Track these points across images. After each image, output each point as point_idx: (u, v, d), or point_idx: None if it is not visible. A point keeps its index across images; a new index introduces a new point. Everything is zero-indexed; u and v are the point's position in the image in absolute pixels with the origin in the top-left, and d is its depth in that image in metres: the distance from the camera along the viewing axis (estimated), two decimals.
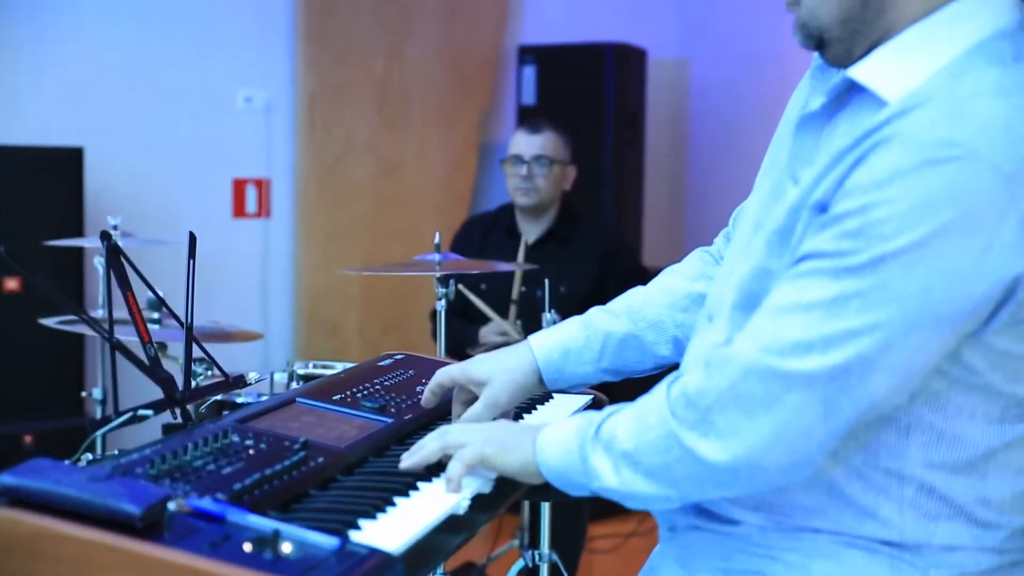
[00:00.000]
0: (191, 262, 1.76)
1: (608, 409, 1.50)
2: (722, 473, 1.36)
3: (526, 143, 3.68)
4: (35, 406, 4.10)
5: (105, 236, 1.61)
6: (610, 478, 1.44)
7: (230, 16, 4.80)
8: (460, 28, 5.27)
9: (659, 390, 1.45)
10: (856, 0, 1.40)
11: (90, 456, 3.21)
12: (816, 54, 1.52)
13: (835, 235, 1.31)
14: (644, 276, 3.71)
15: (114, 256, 1.62)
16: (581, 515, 3.57)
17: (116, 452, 3.16)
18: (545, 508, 2.95)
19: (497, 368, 1.73)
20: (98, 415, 3.42)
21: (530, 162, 3.64)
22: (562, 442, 1.50)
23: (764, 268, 1.46)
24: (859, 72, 1.40)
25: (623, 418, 1.46)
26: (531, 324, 3.58)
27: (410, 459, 1.55)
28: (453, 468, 1.51)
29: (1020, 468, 1.41)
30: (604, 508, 4.22)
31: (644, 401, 1.46)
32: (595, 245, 3.69)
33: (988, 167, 1.25)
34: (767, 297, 1.39)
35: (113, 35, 4.54)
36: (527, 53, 5.10)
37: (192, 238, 1.78)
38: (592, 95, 4.89)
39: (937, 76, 1.32)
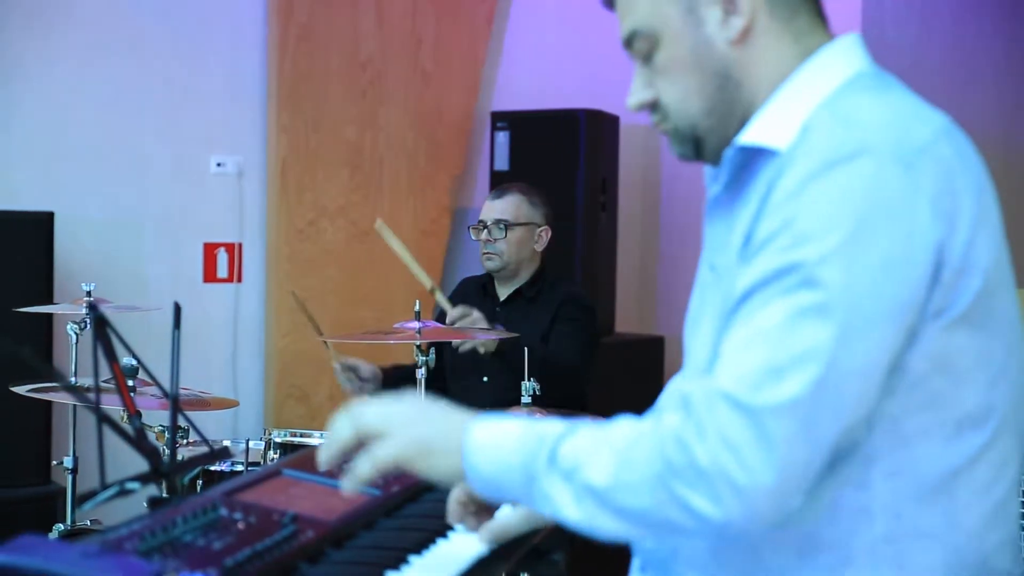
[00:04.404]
0: (176, 332, 1.74)
1: (558, 426, 1.40)
2: (712, 526, 1.30)
3: (489, 208, 3.73)
4: (0, 474, 4.03)
5: (93, 307, 1.59)
6: (569, 509, 1.35)
7: (203, 82, 4.80)
8: (432, 94, 5.30)
9: (647, 424, 1.37)
10: (713, 87, 1.48)
11: (61, 527, 3.18)
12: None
13: (768, 257, 1.33)
14: (588, 325, 3.70)
15: (101, 327, 1.60)
16: None
17: (88, 523, 3.13)
18: None
19: None
20: (68, 484, 3.36)
21: (490, 226, 3.68)
22: (500, 453, 1.40)
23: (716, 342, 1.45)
24: (748, 136, 1.45)
25: (591, 447, 1.36)
26: (494, 381, 3.58)
27: (324, 452, 1.44)
28: (363, 466, 1.41)
29: (988, 485, 1.40)
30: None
31: (624, 432, 1.37)
32: (554, 300, 3.70)
33: (888, 158, 1.31)
34: (723, 346, 1.36)
35: (85, 99, 4.53)
36: (500, 119, 5.11)
37: (177, 308, 1.76)
38: (565, 161, 4.91)
39: (816, 111, 1.40)
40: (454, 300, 3.79)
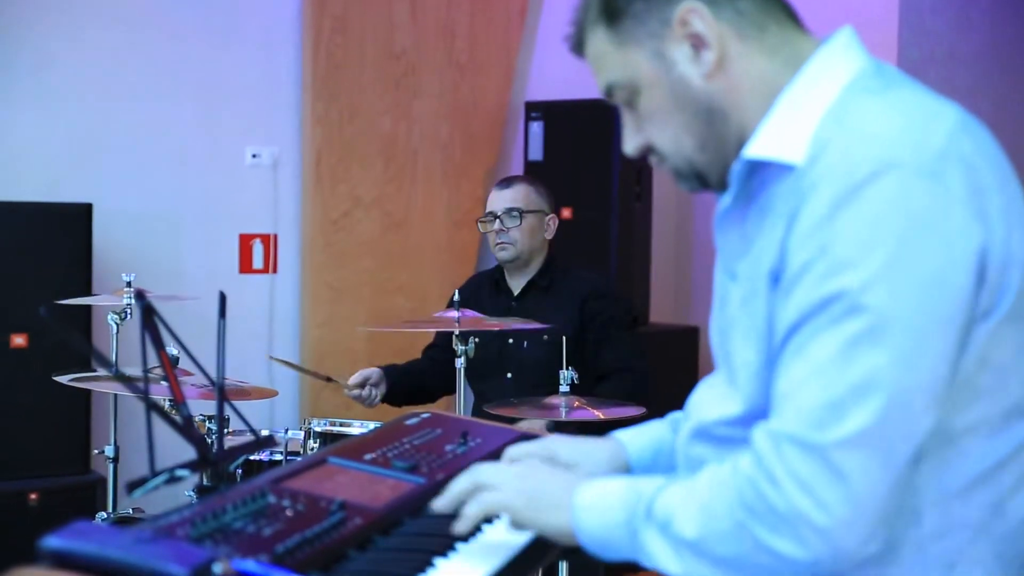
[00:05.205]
0: (221, 321, 1.74)
1: (655, 480, 1.45)
2: (801, 567, 1.31)
3: (498, 199, 3.74)
4: (40, 463, 4.07)
5: (140, 295, 1.60)
6: (670, 563, 1.38)
7: (238, 73, 4.82)
8: (467, 85, 5.30)
9: (724, 471, 1.38)
10: (700, 122, 1.46)
11: (104, 515, 3.20)
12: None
13: (808, 289, 1.31)
14: (627, 320, 3.74)
15: (148, 316, 1.61)
16: (597, 574, 3.54)
17: (131, 511, 3.15)
18: (562, 568, 2.93)
19: (585, 456, 1.69)
20: (110, 473, 3.40)
21: (502, 216, 3.68)
22: (605, 510, 1.44)
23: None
24: (754, 149, 1.43)
25: (681, 500, 1.39)
26: (520, 376, 3.58)
27: (442, 499, 1.53)
28: (471, 508, 1.48)
29: None
30: (621, 566, 4.17)
31: (706, 482, 1.40)
32: (576, 290, 3.70)
33: (911, 171, 1.29)
34: (778, 384, 1.36)
35: (122, 91, 4.56)
36: (534, 109, 5.12)
37: (222, 297, 1.77)
38: (599, 151, 4.90)
39: (824, 121, 1.37)
40: (465, 299, 3.73)
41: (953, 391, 1.34)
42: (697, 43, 1.44)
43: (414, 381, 3.71)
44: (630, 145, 1.54)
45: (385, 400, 3.63)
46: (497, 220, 3.69)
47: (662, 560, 1.39)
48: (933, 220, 1.28)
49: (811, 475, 1.28)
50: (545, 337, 3.54)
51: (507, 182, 3.81)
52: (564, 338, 3.14)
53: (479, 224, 3.78)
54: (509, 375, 3.65)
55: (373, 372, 3.58)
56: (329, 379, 3.48)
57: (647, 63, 1.47)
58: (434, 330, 3.18)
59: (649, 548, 1.39)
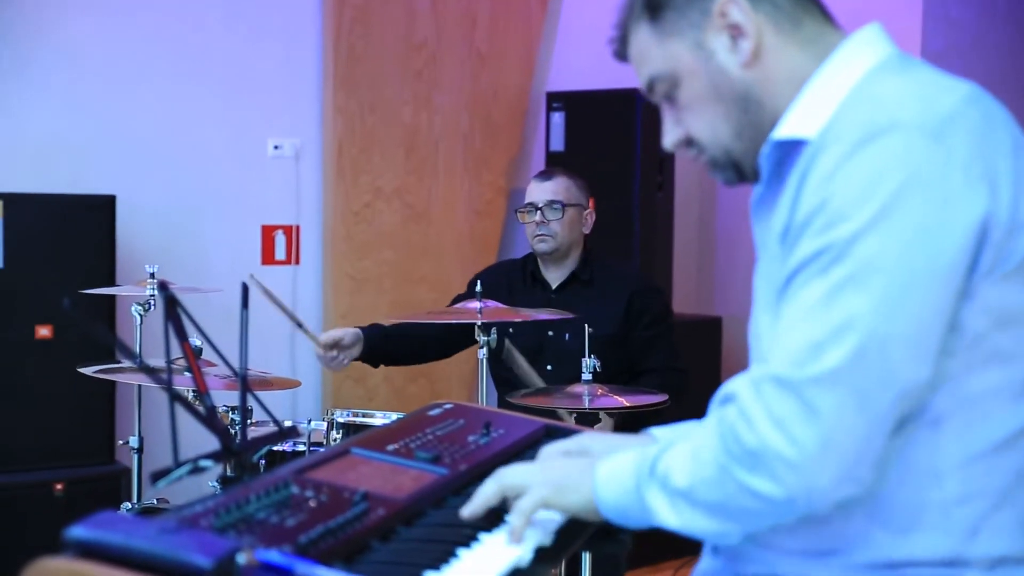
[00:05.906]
0: (244, 312, 1.75)
1: (663, 443, 1.52)
2: (780, 505, 1.36)
3: (538, 190, 3.72)
4: (65, 454, 4.09)
5: (163, 287, 1.61)
6: (668, 516, 1.45)
7: (260, 65, 4.83)
8: (488, 75, 5.30)
9: (711, 423, 1.45)
10: (737, 110, 1.52)
11: (128, 505, 3.22)
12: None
13: (808, 240, 1.36)
14: (671, 318, 3.75)
15: (171, 307, 1.62)
16: (619, 566, 3.53)
17: (155, 501, 3.17)
18: (585, 559, 2.93)
19: (617, 451, 1.68)
20: (134, 464, 3.41)
21: (543, 208, 3.67)
22: (619, 479, 1.51)
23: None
24: (782, 131, 1.49)
25: (678, 454, 1.46)
26: (560, 368, 3.57)
27: (470, 506, 1.55)
28: (515, 520, 1.52)
29: None
30: (641, 557, 4.19)
31: (699, 434, 1.47)
32: (621, 285, 3.69)
33: (915, 130, 1.34)
34: (775, 333, 1.41)
35: (145, 83, 4.58)
36: (556, 99, 5.11)
37: (245, 288, 1.78)
38: (621, 141, 4.89)
39: (845, 101, 1.43)
40: (490, 287, 3.66)
41: (966, 350, 1.37)
42: (735, 33, 1.50)
43: (400, 343, 3.63)
44: (669, 139, 1.60)
45: (361, 360, 3.54)
46: (538, 212, 3.68)
47: (663, 515, 1.45)
48: (931, 179, 1.33)
49: (785, 411, 1.33)
50: (590, 330, 3.53)
51: (547, 174, 3.78)
52: (586, 327, 3.14)
53: (518, 214, 3.76)
54: (549, 367, 3.64)
55: (347, 333, 3.46)
56: (300, 325, 3.35)
57: (688, 53, 1.52)
58: (456, 321, 3.17)
59: (652, 504, 1.46)
